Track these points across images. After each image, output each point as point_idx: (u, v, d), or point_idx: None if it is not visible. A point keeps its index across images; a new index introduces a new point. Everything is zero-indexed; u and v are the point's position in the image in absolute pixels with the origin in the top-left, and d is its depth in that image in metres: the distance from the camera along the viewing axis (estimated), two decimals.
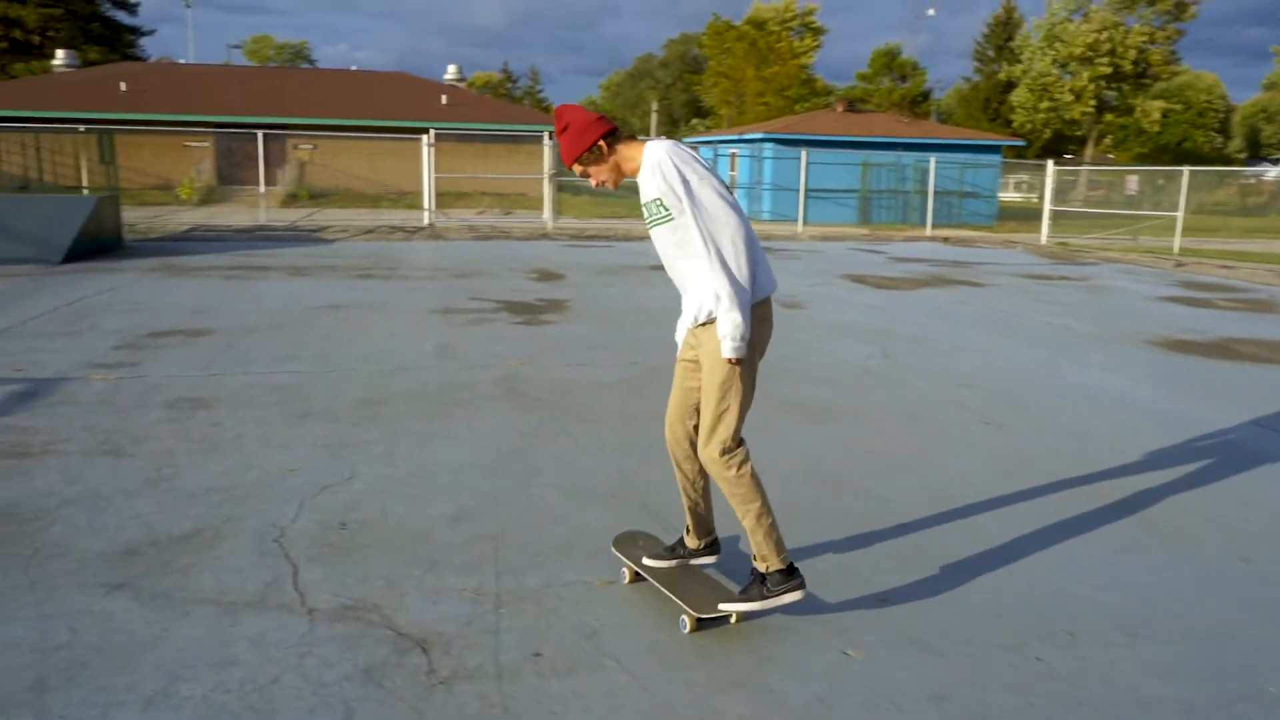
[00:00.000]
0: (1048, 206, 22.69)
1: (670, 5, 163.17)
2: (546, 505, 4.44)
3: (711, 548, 3.57)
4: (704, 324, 3.25)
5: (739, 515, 3.25)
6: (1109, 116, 48.82)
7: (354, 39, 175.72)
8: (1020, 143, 31.74)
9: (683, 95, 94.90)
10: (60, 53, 37.67)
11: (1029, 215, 32.72)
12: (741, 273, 3.14)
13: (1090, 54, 44.33)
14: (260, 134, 19.89)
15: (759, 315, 3.26)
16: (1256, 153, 73.77)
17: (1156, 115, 44.28)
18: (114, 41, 49.39)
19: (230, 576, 3.57)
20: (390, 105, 35.39)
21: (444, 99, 36.31)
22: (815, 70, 69.93)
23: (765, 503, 3.24)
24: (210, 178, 32.39)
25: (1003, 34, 59.16)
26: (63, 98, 32.16)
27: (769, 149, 28.74)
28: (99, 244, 15.31)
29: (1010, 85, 58.11)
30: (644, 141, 3.27)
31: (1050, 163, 23.19)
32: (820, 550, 4.00)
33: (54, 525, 4.03)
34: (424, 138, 20.19)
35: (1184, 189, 20.63)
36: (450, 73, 41.49)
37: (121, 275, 12.44)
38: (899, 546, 4.09)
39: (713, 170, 3.19)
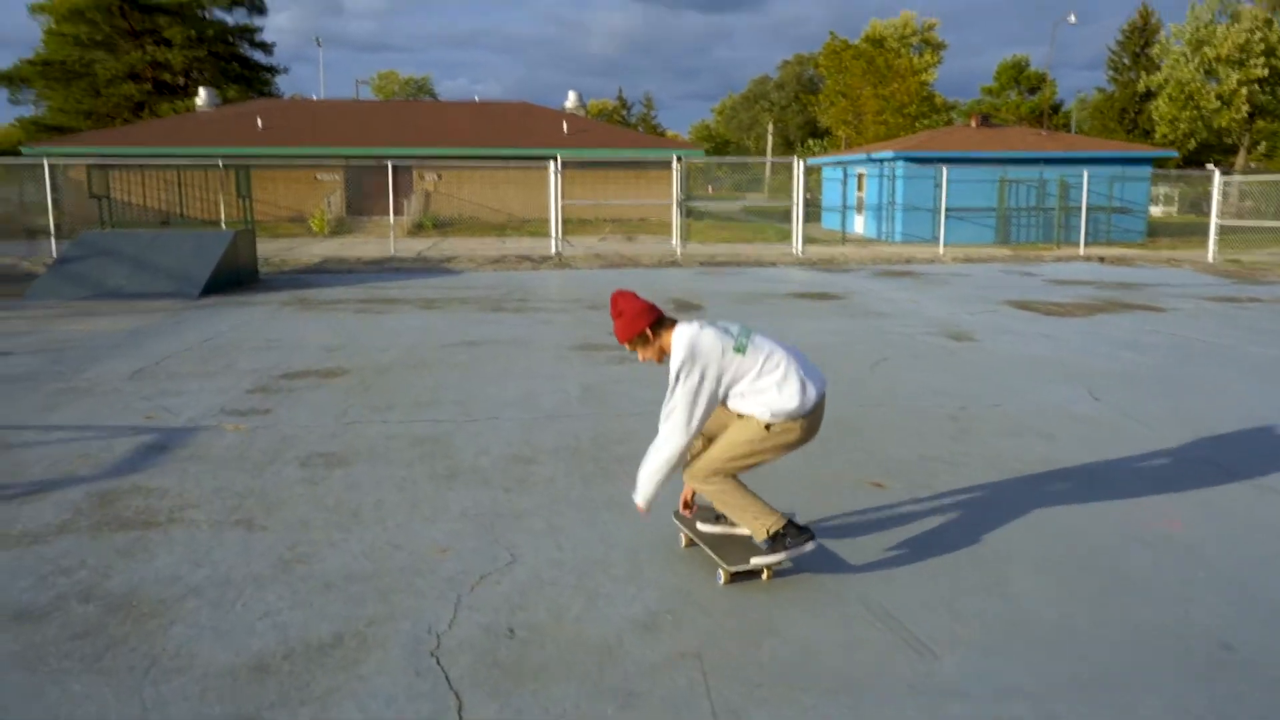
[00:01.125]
0: (1215, 221, 20.83)
1: (782, 28, 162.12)
2: (755, 609, 3.63)
3: None
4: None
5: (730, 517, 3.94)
6: (1260, 123, 45.53)
7: (473, 72, 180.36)
8: (1172, 153, 29.61)
9: (798, 117, 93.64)
10: (202, 92, 39.16)
11: (1176, 230, 30.45)
12: (667, 455, 3.92)
13: (1241, 56, 41.37)
14: (390, 164, 19.82)
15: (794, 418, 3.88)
16: None
17: None
18: (251, 80, 51.45)
19: (380, 708, 2.87)
20: (512, 133, 35.50)
21: (564, 126, 36.24)
22: (934, 87, 67.88)
23: (742, 494, 3.91)
24: (340, 209, 33.00)
25: (1139, 40, 56.16)
26: (204, 134, 33.30)
27: (900, 168, 27.48)
28: (236, 277, 15.33)
29: (1149, 94, 55.09)
30: (673, 326, 4.03)
31: (1216, 173, 21.33)
32: None
33: (175, 624, 3.43)
34: (550, 164, 19.80)
35: None
36: (570, 100, 41.52)
37: (256, 309, 12.25)
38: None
39: (740, 337, 4.00)
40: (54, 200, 17.79)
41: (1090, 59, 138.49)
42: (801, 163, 19.98)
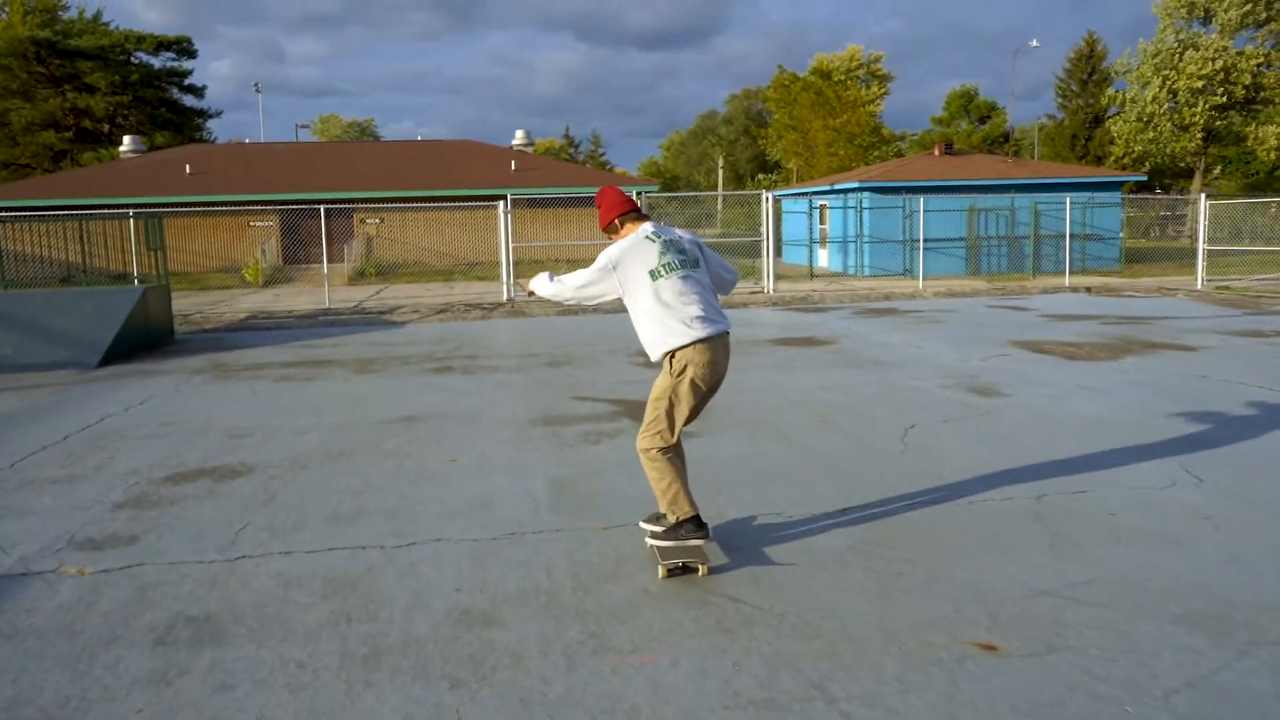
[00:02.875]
0: (1203, 246, 19.87)
1: (726, 65, 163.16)
2: None
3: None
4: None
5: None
6: (1214, 148, 45.49)
7: (418, 115, 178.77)
8: (1142, 177, 28.96)
9: (748, 150, 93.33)
10: (126, 139, 37.14)
11: (1147, 256, 29.67)
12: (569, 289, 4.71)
13: (1205, 84, 41.20)
14: (322, 208, 18.16)
15: (697, 350, 4.35)
16: None
17: (1274, 142, 40.88)
18: (181, 125, 49.32)
19: None
20: (458, 173, 33.96)
21: (513, 164, 34.79)
22: (881, 119, 67.73)
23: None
24: (276, 258, 31.13)
25: (1086, 68, 56.39)
26: (127, 183, 31.30)
27: (866, 198, 26.38)
28: (146, 339, 13.54)
29: (1098, 120, 55.12)
30: (638, 224, 4.65)
31: (1203, 196, 20.43)
32: None
33: None
34: (500, 204, 18.28)
35: None
36: (518, 138, 40.16)
37: (161, 381, 10.49)
38: None
39: (663, 250, 4.43)
40: None
41: (1029, 88, 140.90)
42: (770, 196, 18.67)
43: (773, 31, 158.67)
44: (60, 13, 47.59)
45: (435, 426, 7.70)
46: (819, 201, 29.71)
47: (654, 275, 4.39)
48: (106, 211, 17.74)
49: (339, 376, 10.54)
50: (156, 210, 19.70)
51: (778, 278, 20.21)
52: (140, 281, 16.73)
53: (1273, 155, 41.69)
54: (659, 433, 4.46)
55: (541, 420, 7.86)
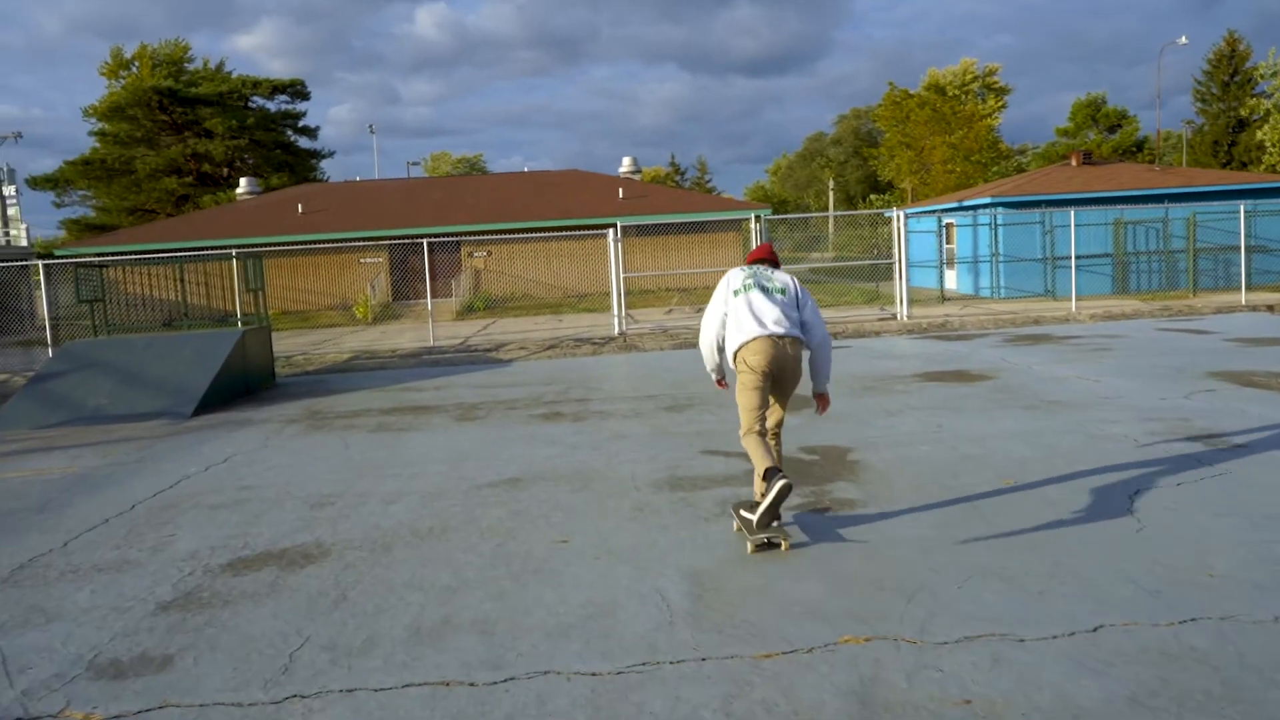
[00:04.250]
0: None
1: (831, 87, 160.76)
2: None
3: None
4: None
5: None
6: None
7: (527, 150, 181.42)
8: None
9: (857, 171, 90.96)
10: (243, 181, 37.76)
11: None
12: (704, 343, 5.47)
13: None
14: (425, 242, 17.45)
15: (739, 354, 5.20)
16: None
17: None
18: (296, 167, 50.32)
19: None
20: (566, 203, 33.29)
21: (620, 192, 33.94)
22: (998, 133, 64.78)
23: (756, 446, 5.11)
24: (385, 294, 30.92)
25: (1228, 69, 52.64)
26: (241, 225, 31.62)
27: (1001, 214, 24.44)
28: (244, 384, 12.90)
29: (1242, 125, 51.34)
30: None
31: None
32: None
33: None
34: (609, 233, 17.23)
35: None
36: (625, 165, 39.36)
37: (251, 432, 9.66)
38: None
39: (744, 283, 5.34)
40: (51, 303, 15.57)
41: (1150, 97, 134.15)
42: (901, 214, 17.12)
43: (877, 52, 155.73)
44: (186, 64, 49.29)
45: (543, 493, 6.52)
46: (945, 220, 27.85)
47: (736, 293, 5.35)
48: (210, 253, 17.33)
49: (438, 425, 9.52)
50: (267, 250, 19.33)
51: (910, 302, 18.59)
52: (242, 323, 16.20)
53: None
54: (742, 420, 5.23)
55: (667, 483, 6.60)
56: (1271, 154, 41.47)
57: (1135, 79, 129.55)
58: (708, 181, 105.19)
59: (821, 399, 5.51)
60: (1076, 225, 22.08)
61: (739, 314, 5.23)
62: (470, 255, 31.67)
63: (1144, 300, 20.91)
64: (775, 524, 5.13)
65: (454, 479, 7.09)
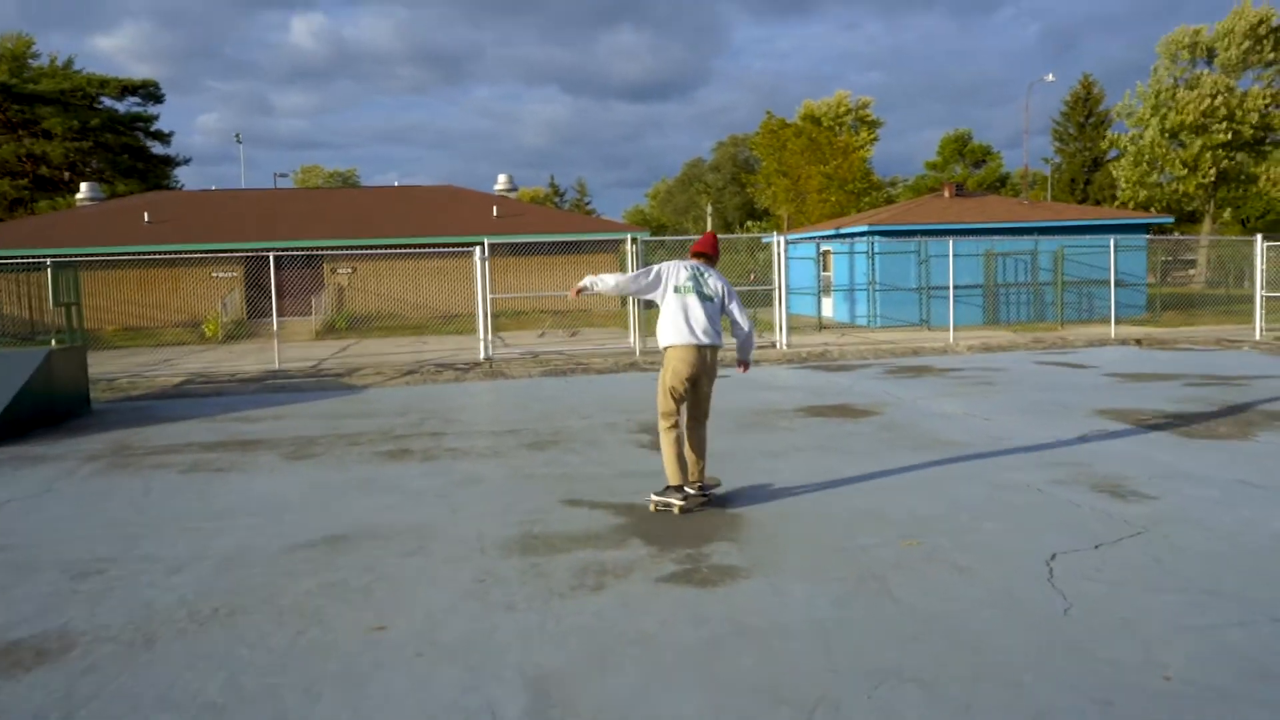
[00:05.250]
0: (1260, 293, 17.87)
1: (710, 115, 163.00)
2: None
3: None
4: None
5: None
6: (1222, 191, 43.94)
7: (404, 167, 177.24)
8: (1167, 219, 27.14)
9: (735, 198, 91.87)
10: (84, 186, 34.95)
11: (1171, 302, 27.69)
12: (614, 283, 6.32)
13: (1204, 121, 39.74)
14: (272, 257, 15.97)
15: (668, 351, 6.19)
16: None
17: None
18: (147, 174, 47.04)
19: None
20: (437, 220, 31.94)
21: (495, 210, 32.77)
22: (870, 165, 66.33)
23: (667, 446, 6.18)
24: (239, 311, 28.87)
25: (1083, 110, 55.17)
26: (78, 233, 29.09)
27: (878, 243, 24.38)
28: (51, 411, 11.26)
29: (1098, 163, 53.77)
30: (694, 258, 6.44)
31: (1259, 237, 18.48)
32: None
33: None
34: (476, 250, 16.13)
35: None
36: (500, 183, 38.22)
37: (38, 473, 8.17)
38: None
39: (685, 283, 6.16)
40: None
41: (1011, 136, 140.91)
42: (781, 239, 16.61)
43: (755, 83, 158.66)
44: (30, 60, 45.58)
45: (368, 556, 5.42)
46: (822, 247, 27.74)
47: (676, 290, 6.11)
48: (27, 262, 15.45)
49: (264, 465, 8.25)
50: (96, 260, 17.45)
51: (789, 330, 18.09)
52: (56, 341, 14.40)
53: None
54: (660, 415, 6.17)
55: (519, 544, 5.58)
56: (1125, 191, 43.33)
57: (997, 118, 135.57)
58: (587, 204, 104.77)
59: (743, 366, 6.61)
60: (954, 256, 22.12)
61: (674, 314, 6.12)
62: (334, 272, 29.95)
63: (1016, 331, 21.03)
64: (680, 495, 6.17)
65: (265, 536, 5.90)
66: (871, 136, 73.63)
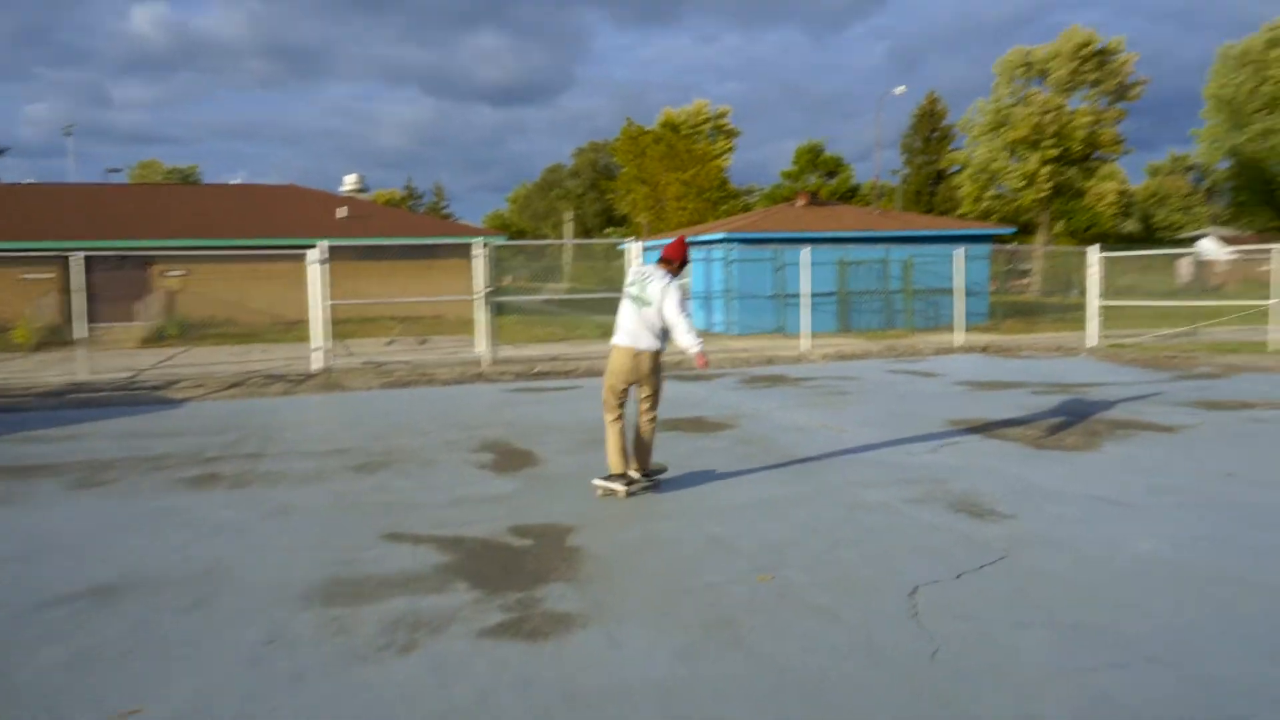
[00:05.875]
0: (1097, 302, 18.54)
1: (574, 121, 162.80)
2: None
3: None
4: None
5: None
6: (1057, 203, 46.31)
7: (253, 165, 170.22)
8: (1009, 229, 28.15)
9: (595, 204, 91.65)
10: None
11: (1009, 311, 28.79)
12: None
13: (1036, 137, 41.76)
14: (79, 257, 14.52)
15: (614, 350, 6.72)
16: (1151, 234, 73.47)
17: (1112, 197, 41.82)
18: None
19: None
20: (278, 221, 30.24)
21: (341, 211, 31.28)
22: (727, 174, 67.22)
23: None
24: (55, 316, 26.50)
25: (929, 125, 57.29)
26: None
27: (735, 250, 24.32)
28: None
29: (941, 176, 55.92)
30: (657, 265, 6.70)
31: (1095, 248, 19.18)
32: None
33: None
34: (310, 253, 15.06)
35: (1276, 272, 16.69)
36: (349, 183, 36.64)
37: None
38: None
39: (629, 288, 6.64)
40: None
41: (862, 149, 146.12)
42: (634, 245, 16.16)
43: (617, 90, 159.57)
44: None
45: (138, 611, 4.57)
46: None
47: (625, 292, 6.69)
48: None
49: (42, 496, 7.16)
50: None
51: None
52: None
53: (1111, 209, 42.53)
54: (604, 405, 6.77)
55: (323, 591, 4.83)
56: (967, 201, 45.10)
57: (849, 131, 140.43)
58: (445, 207, 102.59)
59: (698, 357, 6.57)
60: (810, 264, 22.22)
61: (619, 314, 6.65)
62: (164, 275, 27.92)
63: (868, 339, 21.26)
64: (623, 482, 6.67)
65: (17, 589, 4.95)
66: (729, 145, 74.63)
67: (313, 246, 15.16)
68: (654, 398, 6.72)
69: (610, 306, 20.19)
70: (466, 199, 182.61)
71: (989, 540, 5.47)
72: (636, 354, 6.49)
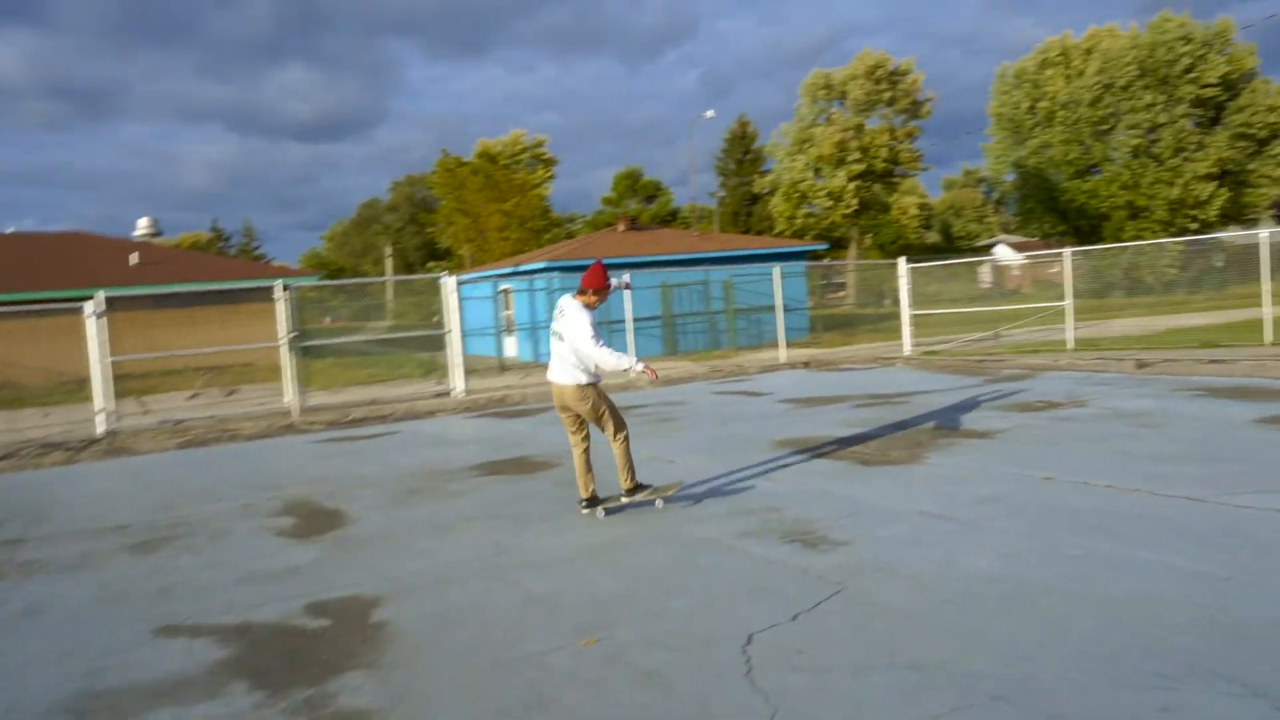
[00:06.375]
0: (908, 312, 19.18)
1: (390, 155, 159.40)
2: None
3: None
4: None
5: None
6: (862, 219, 48.42)
7: (42, 212, 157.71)
8: (823, 245, 29.02)
9: (415, 238, 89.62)
10: None
11: (825, 324, 29.69)
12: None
13: (841, 155, 43.58)
14: None
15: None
16: (952, 244, 78.48)
17: (914, 210, 44.03)
18: None
19: None
20: (62, 272, 27.75)
21: (134, 258, 29.07)
22: (549, 202, 67.11)
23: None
24: None
25: (740, 148, 58.93)
26: None
27: (556, 279, 23.95)
28: None
29: (756, 197, 57.58)
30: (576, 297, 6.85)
31: (903, 260, 19.86)
32: None
33: None
34: (86, 306, 13.68)
35: (1067, 274, 17.69)
36: (142, 227, 34.20)
37: None
38: None
39: (551, 323, 6.94)
40: None
41: (679, 174, 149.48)
42: (452, 280, 15.53)
43: (432, 123, 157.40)
44: None
45: None
46: (502, 285, 26.99)
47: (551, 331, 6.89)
48: None
49: None
50: None
51: (468, 373, 17.02)
52: None
53: (914, 221, 44.74)
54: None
55: (69, 711, 4.05)
56: (780, 223, 46.50)
57: (667, 157, 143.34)
58: (256, 248, 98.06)
59: (644, 373, 6.60)
60: (633, 288, 22.07)
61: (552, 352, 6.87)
62: None
63: (695, 360, 21.29)
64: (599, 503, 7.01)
65: None
66: (548, 174, 74.58)
67: (84, 299, 13.77)
68: (603, 423, 6.81)
69: (433, 343, 19.37)
70: (281, 238, 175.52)
71: (824, 572, 5.22)
72: (560, 388, 6.75)
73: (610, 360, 6.49)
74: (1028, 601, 4.56)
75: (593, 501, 6.96)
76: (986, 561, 5.21)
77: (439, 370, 20.67)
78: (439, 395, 16.03)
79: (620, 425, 6.89)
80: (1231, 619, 4.14)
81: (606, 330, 23.65)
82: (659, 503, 6.95)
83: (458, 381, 15.92)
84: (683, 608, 4.83)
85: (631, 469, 6.96)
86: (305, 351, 22.41)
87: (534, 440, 11.04)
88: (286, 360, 14.58)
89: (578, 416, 6.87)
